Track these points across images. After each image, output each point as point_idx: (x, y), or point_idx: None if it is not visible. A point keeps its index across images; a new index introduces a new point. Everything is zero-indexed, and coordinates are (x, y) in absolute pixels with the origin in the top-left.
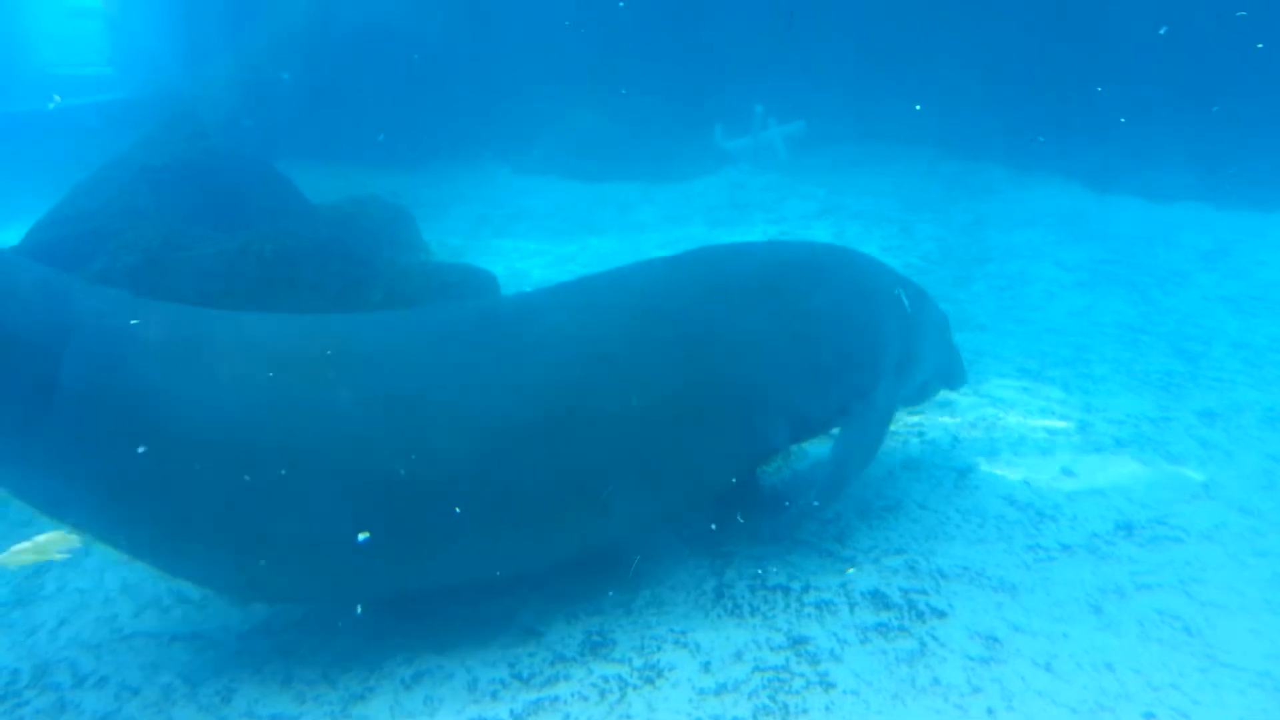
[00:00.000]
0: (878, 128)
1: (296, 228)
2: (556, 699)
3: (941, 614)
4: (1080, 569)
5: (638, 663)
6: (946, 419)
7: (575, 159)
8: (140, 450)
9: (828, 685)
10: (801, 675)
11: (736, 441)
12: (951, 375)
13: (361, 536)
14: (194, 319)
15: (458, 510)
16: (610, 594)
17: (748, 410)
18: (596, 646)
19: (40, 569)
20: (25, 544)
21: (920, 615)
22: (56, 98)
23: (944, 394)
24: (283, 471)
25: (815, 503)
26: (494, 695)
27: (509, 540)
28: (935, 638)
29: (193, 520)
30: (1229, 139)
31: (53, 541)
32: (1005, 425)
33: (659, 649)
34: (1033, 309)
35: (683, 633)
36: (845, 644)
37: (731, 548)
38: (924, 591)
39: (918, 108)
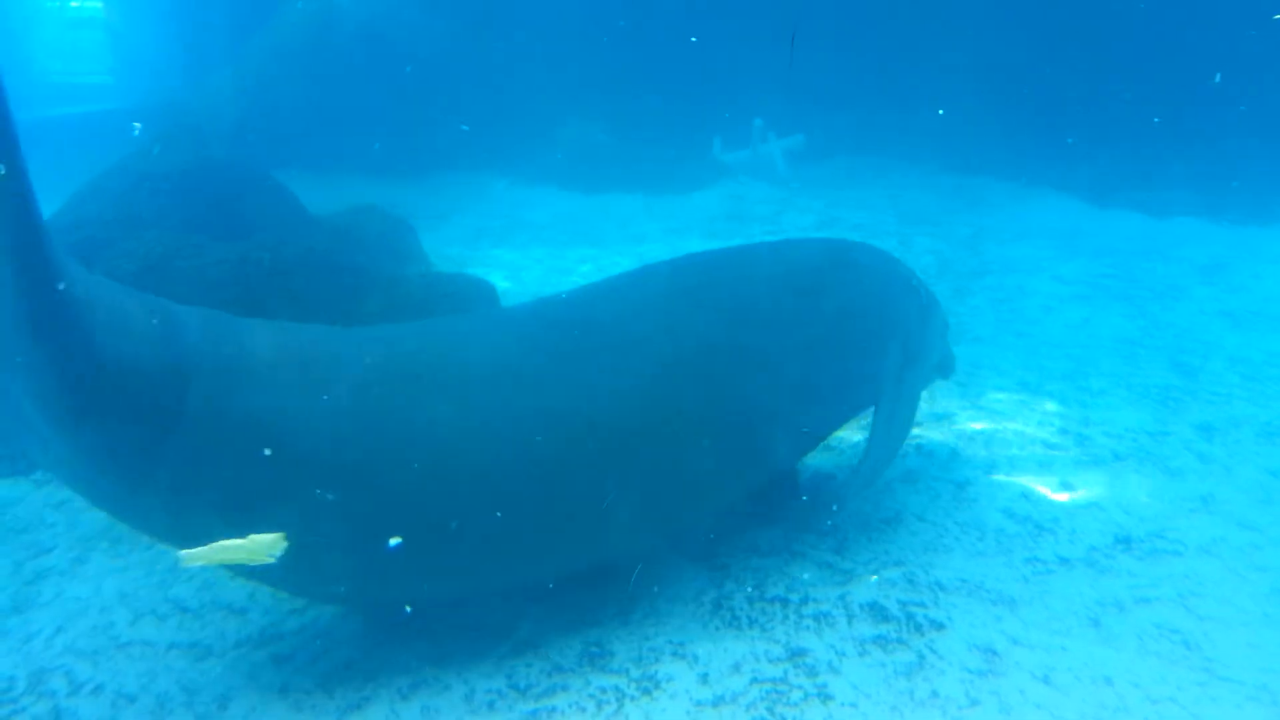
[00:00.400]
0: (876, 142)
1: (296, 237)
2: (554, 710)
3: (940, 626)
4: (1079, 582)
5: (635, 674)
6: (945, 432)
7: (574, 171)
8: (265, 471)
9: (826, 697)
10: (799, 687)
11: (793, 431)
12: (945, 364)
13: (393, 542)
14: (296, 336)
15: (559, 511)
16: (608, 605)
17: (803, 400)
18: (594, 657)
19: (39, 575)
20: (237, 541)
21: (919, 628)
22: (138, 125)
23: (942, 407)
24: (401, 482)
25: (855, 487)
26: (491, 706)
27: (602, 537)
28: (934, 650)
29: (314, 534)
30: (1227, 154)
31: (265, 544)
32: (1004, 438)
33: (657, 660)
34: (1031, 322)
35: (681, 644)
36: (843, 656)
37: (729, 559)
38: (922, 604)
39: (940, 112)
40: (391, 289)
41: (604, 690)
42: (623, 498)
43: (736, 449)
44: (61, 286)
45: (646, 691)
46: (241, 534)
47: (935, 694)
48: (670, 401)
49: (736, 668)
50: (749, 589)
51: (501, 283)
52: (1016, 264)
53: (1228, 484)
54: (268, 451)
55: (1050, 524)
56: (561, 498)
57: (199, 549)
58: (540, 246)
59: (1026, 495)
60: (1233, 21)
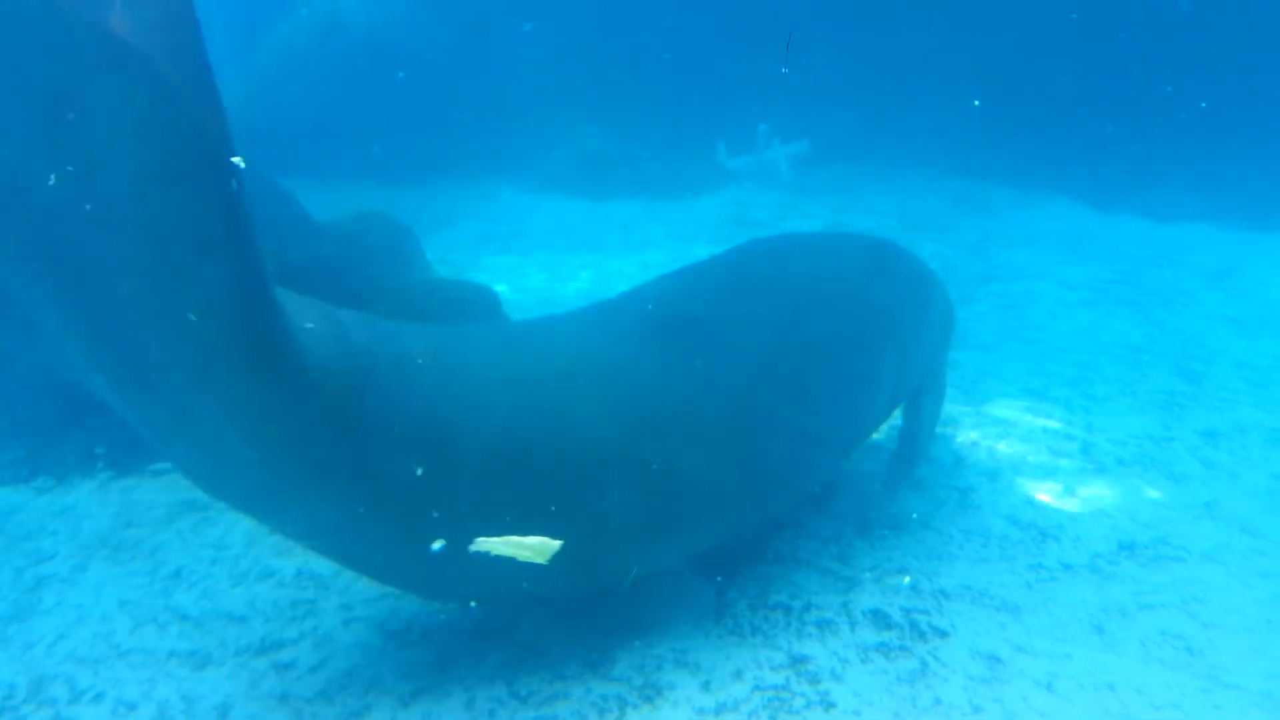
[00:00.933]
0: (880, 147)
1: (301, 243)
2: (555, 717)
3: (943, 634)
4: (1083, 589)
5: (637, 681)
6: (949, 438)
7: (578, 177)
8: (438, 467)
9: (828, 705)
10: (802, 695)
11: (862, 422)
12: None
13: (436, 545)
14: (442, 336)
15: (690, 499)
16: (609, 612)
17: (870, 392)
18: (596, 664)
19: (40, 582)
20: (523, 537)
21: (922, 635)
22: (239, 160)
23: (947, 413)
24: (563, 477)
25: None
26: (492, 713)
27: (715, 521)
28: (937, 657)
29: (486, 529)
30: (1233, 158)
31: (544, 544)
32: (1008, 445)
33: (659, 668)
34: (1037, 328)
35: (683, 651)
36: (846, 663)
37: (732, 566)
38: (926, 611)
39: (976, 103)
40: (396, 296)
41: (605, 698)
42: (738, 482)
43: (822, 437)
44: (279, 297)
45: (649, 699)
46: (412, 533)
47: (938, 701)
48: (771, 390)
49: (739, 675)
50: (751, 596)
51: (505, 289)
52: (1022, 269)
53: (1232, 490)
54: (438, 449)
55: (1054, 530)
56: (691, 483)
57: (491, 539)
58: (543, 253)
59: (1031, 502)
60: (1238, 25)
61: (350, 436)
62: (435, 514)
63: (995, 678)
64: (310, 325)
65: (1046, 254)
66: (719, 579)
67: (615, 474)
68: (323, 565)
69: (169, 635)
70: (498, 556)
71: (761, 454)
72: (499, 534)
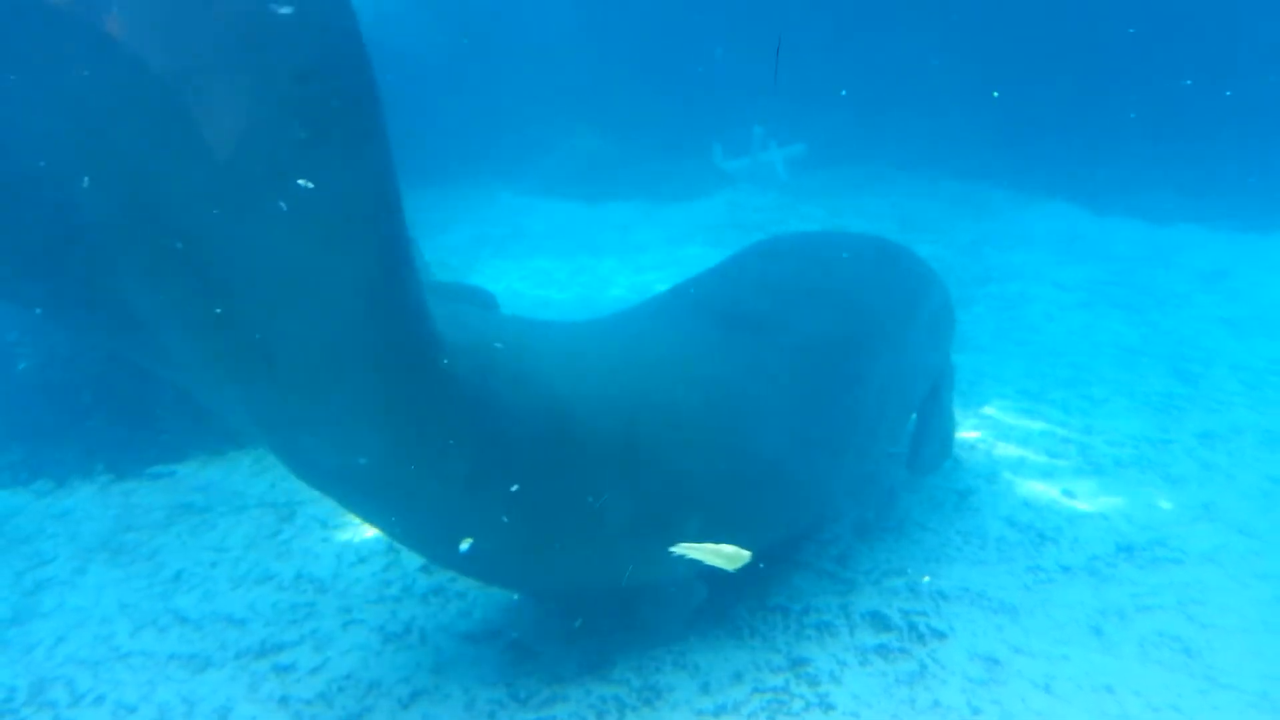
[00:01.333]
0: (878, 150)
1: None
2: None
3: (942, 635)
4: (1080, 590)
5: (636, 683)
6: None
7: (575, 179)
8: (560, 457)
9: (827, 707)
10: (801, 696)
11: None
12: None
13: (464, 545)
14: (536, 329)
15: (769, 488)
16: (608, 613)
17: (904, 390)
18: (594, 666)
19: (39, 585)
20: (713, 545)
21: (920, 637)
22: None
23: None
24: (657, 466)
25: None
26: (491, 715)
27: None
28: (935, 659)
29: (582, 521)
30: (1227, 160)
31: (734, 553)
32: (1006, 447)
33: (658, 669)
34: (1033, 330)
35: (682, 653)
36: (845, 665)
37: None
38: (924, 613)
39: (995, 94)
40: None
41: (605, 700)
42: (811, 474)
43: (871, 431)
44: (423, 292)
45: (647, 701)
46: (520, 526)
47: (937, 703)
48: (821, 382)
49: (738, 677)
50: (750, 598)
51: (502, 292)
52: (1018, 271)
53: (1229, 491)
54: (558, 438)
55: (1052, 532)
56: (776, 474)
57: (686, 545)
58: (540, 255)
59: (1029, 503)
60: (1236, 28)
61: (477, 425)
62: (555, 504)
63: (993, 679)
64: (448, 323)
65: (1042, 255)
66: (717, 580)
67: (713, 464)
68: (322, 568)
69: (169, 638)
70: (604, 549)
71: (828, 446)
72: (608, 522)
